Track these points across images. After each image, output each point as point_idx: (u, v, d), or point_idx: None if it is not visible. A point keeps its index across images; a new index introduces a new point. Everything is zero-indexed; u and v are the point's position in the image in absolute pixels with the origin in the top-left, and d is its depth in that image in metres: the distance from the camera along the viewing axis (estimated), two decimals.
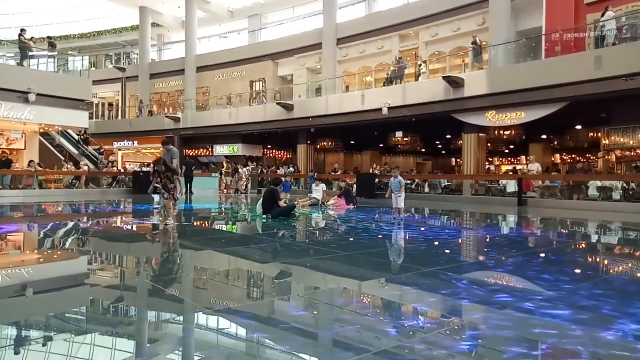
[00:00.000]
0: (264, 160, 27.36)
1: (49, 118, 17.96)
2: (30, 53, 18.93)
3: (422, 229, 8.55)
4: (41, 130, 20.54)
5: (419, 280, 4.17)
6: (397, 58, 20.54)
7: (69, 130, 23.47)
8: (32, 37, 19.43)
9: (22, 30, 18.58)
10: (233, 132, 25.04)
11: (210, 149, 27.30)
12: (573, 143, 20.58)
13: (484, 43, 17.97)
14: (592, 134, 18.55)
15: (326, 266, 4.89)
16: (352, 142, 26.44)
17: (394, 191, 9.49)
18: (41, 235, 7.40)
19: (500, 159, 26.61)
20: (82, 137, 24.37)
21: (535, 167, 16.32)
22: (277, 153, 28.60)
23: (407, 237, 7.49)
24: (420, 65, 19.81)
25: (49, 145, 22.06)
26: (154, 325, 3.15)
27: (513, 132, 18.37)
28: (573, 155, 22.39)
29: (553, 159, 22.54)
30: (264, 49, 26.72)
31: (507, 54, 17.18)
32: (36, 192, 16.87)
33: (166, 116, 27.10)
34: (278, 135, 24.62)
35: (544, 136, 20.65)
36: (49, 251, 5.95)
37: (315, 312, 3.36)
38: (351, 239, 7.29)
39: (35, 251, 6.01)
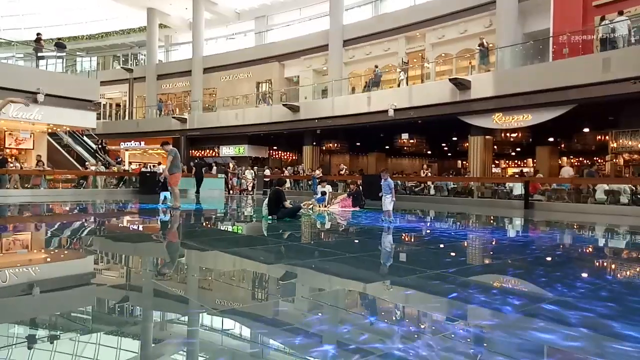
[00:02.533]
0: (269, 161, 27.41)
1: (58, 118, 18.13)
2: (39, 54, 19.17)
3: (428, 231, 8.52)
4: (49, 131, 20.71)
5: (425, 283, 4.16)
6: (375, 66, 21.20)
7: (85, 138, 23.74)
8: (39, 38, 19.68)
9: (38, 34, 19.04)
10: (239, 133, 25.12)
11: (216, 150, 27.40)
12: (580, 146, 20.48)
13: (491, 45, 17.91)
14: (599, 137, 18.44)
15: (331, 268, 4.88)
16: (358, 143, 26.46)
17: (383, 193, 9.42)
18: (48, 235, 7.45)
19: (507, 161, 26.51)
20: (99, 145, 24.62)
21: (566, 171, 16.12)
22: (283, 154, 28.65)
23: (412, 240, 7.47)
24: (399, 72, 20.43)
25: (57, 146, 22.25)
26: (159, 326, 3.16)
27: (520, 134, 18.29)
28: (580, 159, 22.26)
29: (560, 162, 22.41)
30: (271, 50, 26.79)
31: (514, 56, 17.12)
32: (43, 191, 17.01)
33: (173, 117, 27.26)
34: (284, 136, 24.68)
35: (551, 139, 20.56)
36: (54, 250, 5.99)
37: (320, 314, 3.36)
38: (356, 241, 7.28)
39: (42, 250, 6.05)
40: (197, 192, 19.20)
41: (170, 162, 10.84)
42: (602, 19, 14.48)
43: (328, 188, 13.73)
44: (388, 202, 9.18)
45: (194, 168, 20.42)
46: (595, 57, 14.20)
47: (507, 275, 4.78)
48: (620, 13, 14.15)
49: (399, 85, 20.13)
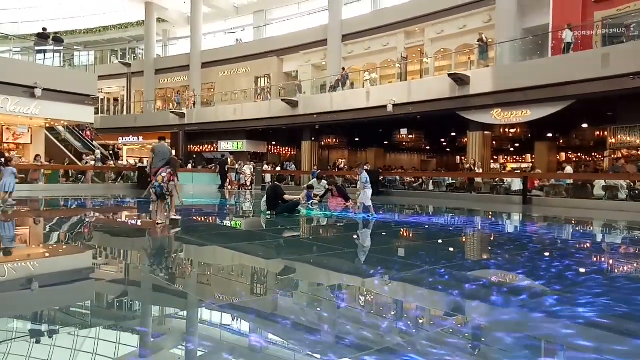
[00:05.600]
0: (268, 156, 27.35)
1: (55, 113, 18.03)
2: (37, 48, 19.06)
3: (426, 226, 8.54)
4: (47, 125, 20.63)
5: (422, 277, 4.17)
6: (342, 69, 21.89)
7: (95, 143, 23.76)
8: (37, 33, 19.64)
9: (43, 29, 19.16)
10: (238, 129, 25.06)
11: (215, 145, 27.33)
12: (579, 142, 20.50)
13: (490, 40, 17.87)
14: (598, 132, 18.45)
15: (329, 263, 4.89)
16: (357, 139, 26.42)
17: (364, 187, 9.20)
18: (47, 229, 7.45)
19: (506, 157, 26.52)
20: (111, 152, 24.65)
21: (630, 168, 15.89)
22: (281, 150, 28.59)
23: (410, 235, 7.48)
24: (366, 72, 21.40)
25: (55, 140, 22.17)
26: (158, 320, 3.17)
27: (519, 130, 18.29)
28: (579, 154, 22.28)
29: (559, 157, 22.42)
30: (269, 45, 26.68)
31: (514, 51, 17.09)
32: (42, 186, 16.96)
33: (171, 112, 27.13)
34: (283, 131, 24.63)
35: (549, 134, 20.56)
36: (54, 245, 5.98)
37: (318, 309, 3.37)
38: (354, 237, 7.29)
39: (41, 245, 6.05)
40: (222, 187, 20.04)
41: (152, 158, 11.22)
42: (569, 26, 15.12)
43: (324, 184, 13.70)
44: (368, 196, 9.00)
45: (218, 165, 21.31)
46: (594, 52, 14.19)
47: (504, 270, 4.79)
48: (568, 26, 15.01)
49: (363, 86, 20.78)
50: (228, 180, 22.09)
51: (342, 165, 22.21)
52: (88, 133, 24.60)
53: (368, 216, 9.17)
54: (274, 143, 27.84)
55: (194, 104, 27.23)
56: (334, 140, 25.32)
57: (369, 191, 9.13)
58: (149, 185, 7.85)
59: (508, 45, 17.07)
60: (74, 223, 8.42)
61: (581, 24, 15.49)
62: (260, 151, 27.11)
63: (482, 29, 18.68)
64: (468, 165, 17.82)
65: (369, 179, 9.33)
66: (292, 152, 28.36)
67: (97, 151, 22.47)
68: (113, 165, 21.60)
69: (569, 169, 16.04)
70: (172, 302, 3.48)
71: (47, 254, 5.35)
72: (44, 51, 19.00)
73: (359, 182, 9.52)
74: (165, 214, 7.57)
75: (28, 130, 19.81)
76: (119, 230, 7.74)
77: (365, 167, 9.38)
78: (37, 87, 16.55)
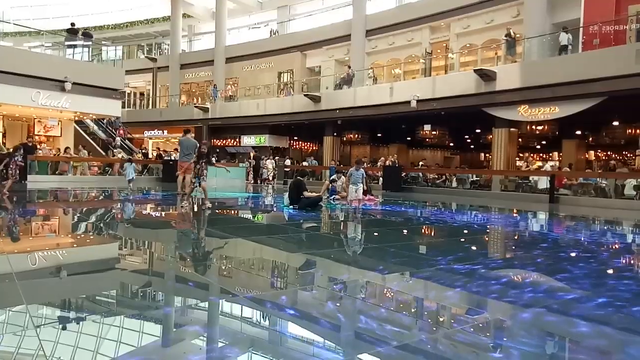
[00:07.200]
0: (289, 151, 27.44)
1: (84, 106, 18.49)
2: (67, 43, 19.58)
3: (448, 221, 8.44)
4: (76, 119, 21.19)
5: (444, 274, 4.13)
6: (347, 67, 22.17)
7: (129, 144, 24.40)
8: (67, 29, 20.18)
9: (71, 24, 19.66)
10: (260, 123, 25.21)
11: (237, 140, 27.59)
12: (609, 140, 19.88)
13: (518, 35, 17.46)
14: (630, 130, 17.87)
15: (350, 258, 4.89)
16: (379, 134, 26.25)
17: (354, 183, 9.88)
18: (75, 220, 7.66)
19: (532, 155, 25.93)
20: (141, 151, 25.23)
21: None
22: (303, 145, 28.64)
23: (433, 233, 7.41)
24: (370, 70, 22.19)
25: (83, 133, 22.76)
26: (180, 311, 3.22)
27: (546, 127, 17.84)
28: (609, 153, 21.65)
29: (587, 155, 21.81)
30: (293, 40, 26.70)
31: (542, 47, 16.65)
32: (70, 177, 17.45)
33: (195, 106, 27.49)
34: (305, 126, 24.66)
35: (578, 132, 20.00)
36: (81, 235, 6.15)
37: (337, 304, 3.37)
38: (376, 233, 7.26)
39: (69, 235, 6.22)
40: (255, 181, 20.42)
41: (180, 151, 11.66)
42: (564, 29, 15.47)
43: (343, 179, 13.69)
44: (360, 192, 9.71)
45: (253, 160, 21.79)
46: (627, 48, 13.71)
47: (529, 270, 4.70)
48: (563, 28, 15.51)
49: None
50: (251, 175, 22.27)
51: (364, 163, 22.15)
52: (121, 132, 25.15)
53: (343, 205, 10.09)
54: (295, 138, 27.91)
55: (231, 96, 27.58)
56: (356, 135, 25.21)
57: (360, 187, 10.11)
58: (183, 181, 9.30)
59: (536, 41, 16.64)
60: (105, 215, 8.64)
61: (614, 18, 14.98)
62: (282, 146, 27.22)
63: (509, 23, 18.25)
64: (525, 164, 17.94)
65: (363, 176, 10.29)
66: (314, 148, 28.38)
67: (118, 139, 22.97)
68: (139, 159, 22.07)
69: (547, 167, 15.85)
70: (194, 294, 3.53)
71: (74, 244, 5.50)
72: (74, 46, 19.48)
73: (351, 178, 10.33)
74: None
75: (58, 123, 20.38)
76: (149, 222, 7.89)
77: (357, 167, 10.28)
78: (67, 81, 16.99)
